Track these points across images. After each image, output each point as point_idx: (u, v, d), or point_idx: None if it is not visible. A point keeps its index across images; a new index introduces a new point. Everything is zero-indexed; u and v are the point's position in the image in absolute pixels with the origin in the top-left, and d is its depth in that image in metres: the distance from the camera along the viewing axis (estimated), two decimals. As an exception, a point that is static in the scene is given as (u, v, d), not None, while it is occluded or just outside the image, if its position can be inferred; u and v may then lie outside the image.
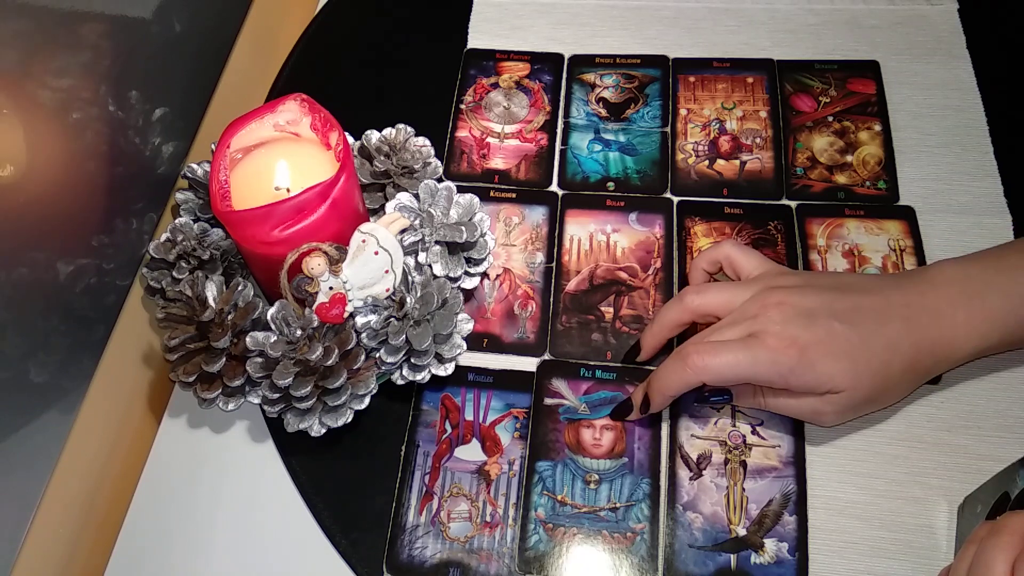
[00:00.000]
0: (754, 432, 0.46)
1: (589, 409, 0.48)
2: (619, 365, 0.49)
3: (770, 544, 0.43)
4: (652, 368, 0.48)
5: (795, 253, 0.52)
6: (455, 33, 0.64)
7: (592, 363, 0.49)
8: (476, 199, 0.48)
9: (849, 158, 0.55)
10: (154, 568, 0.46)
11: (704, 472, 0.45)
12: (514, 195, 0.56)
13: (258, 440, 0.50)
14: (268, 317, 0.42)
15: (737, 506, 0.44)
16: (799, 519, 0.44)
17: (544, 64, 0.62)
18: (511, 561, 0.44)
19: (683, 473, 0.46)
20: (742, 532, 0.44)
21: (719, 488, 0.45)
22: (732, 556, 0.43)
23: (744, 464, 0.45)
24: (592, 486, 0.46)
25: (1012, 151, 0.54)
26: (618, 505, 0.45)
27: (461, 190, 0.48)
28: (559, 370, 0.49)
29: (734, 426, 0.47)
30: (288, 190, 0.44)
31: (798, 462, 0.45)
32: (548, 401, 0.48)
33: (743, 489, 0.45)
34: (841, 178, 0.55)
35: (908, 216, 0.52)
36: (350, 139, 0.50)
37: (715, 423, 0.47)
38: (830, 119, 0.57)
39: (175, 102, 0.51)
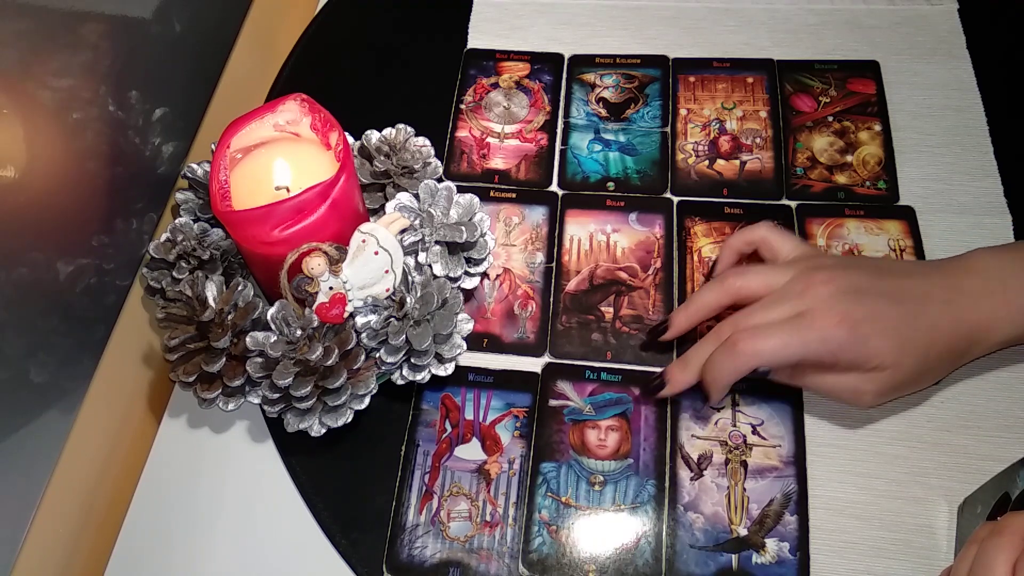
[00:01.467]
0: (755, 432, 0.46)
1: (594, 410, 0.48)
2: (624, 367, 0.49)
3: (771, 544, 0.43)
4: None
5: (795, 253, 0.52)
6: (455, 33, 0.64)
7: (597, 365, 0.49)
8: (476, 199, 0.48)
9: (849, 158, 0.55)
10: (154, 568, 0.46)
11: (705, 472, 0.45)
12: (514, 195, 0.56)
13: (258, 440, 0.49)
14: (268, 317, 0.42)
15: (738, 506, 0.44)
16: (800, 519, 0.44)
17: (544, 64, 0.62)
18: (511, 560, 0.44)
19: (684, 473, 0.46)
20: (743, 532, 0.44)
21: (720, 488, 0.45)
22: (733, 556, 0.43)
23: (745, 464, 0.45)
24: (597, 488, 0.46)
25: (1012, 151, 0.54)
26: (623, 507, 0.45)
27: (461, 190, 0.48)
28: (564, 373, 0.49)
29: (734, 426, 0.47)
30: (288, 190, 0.44)
31: (799, 462, 0.45)
32: (553, 403, 0.48)
33: (744, 489, 0.45)
34: (841, 178, 0.55)
35: (908, 216, 0.52)
36: (350, 139, 0.50)
37: (716, 423, 0.47)
38: (830, 119, 0.57)
39: (175, 102, 0.51)
